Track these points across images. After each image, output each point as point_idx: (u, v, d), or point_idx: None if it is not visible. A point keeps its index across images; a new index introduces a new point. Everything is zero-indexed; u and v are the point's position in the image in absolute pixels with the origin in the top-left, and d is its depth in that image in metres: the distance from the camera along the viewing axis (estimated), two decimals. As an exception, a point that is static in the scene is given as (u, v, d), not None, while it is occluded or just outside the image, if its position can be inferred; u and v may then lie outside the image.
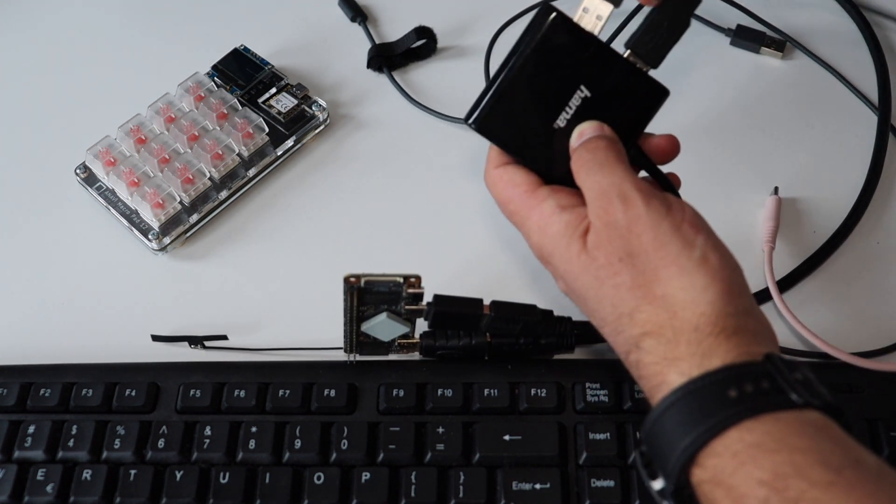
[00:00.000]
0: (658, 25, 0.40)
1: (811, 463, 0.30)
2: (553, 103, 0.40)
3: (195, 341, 0.47)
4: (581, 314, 0.40)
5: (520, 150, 0.41)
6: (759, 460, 0.30)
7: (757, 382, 0.32)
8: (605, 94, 0.40)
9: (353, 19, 0.61)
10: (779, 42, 0.58)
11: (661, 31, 0.40)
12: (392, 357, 0.45)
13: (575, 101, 0.40)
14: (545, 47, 0.40)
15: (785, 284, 0.48)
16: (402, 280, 0.41)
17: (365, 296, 0.41)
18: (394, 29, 0.61)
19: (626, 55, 0.40)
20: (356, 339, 0.44)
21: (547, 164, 0.41)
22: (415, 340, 0.44)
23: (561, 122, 0.40)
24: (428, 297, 0.42)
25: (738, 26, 0.58)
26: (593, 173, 0.38)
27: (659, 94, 0.41)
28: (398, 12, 0.62)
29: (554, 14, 0.40)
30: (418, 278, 0.41)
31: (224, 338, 0.47)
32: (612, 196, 0.37)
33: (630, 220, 0.36)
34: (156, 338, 0.47)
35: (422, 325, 0.44)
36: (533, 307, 0.43)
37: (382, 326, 0.43)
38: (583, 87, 0.40)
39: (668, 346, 0.34)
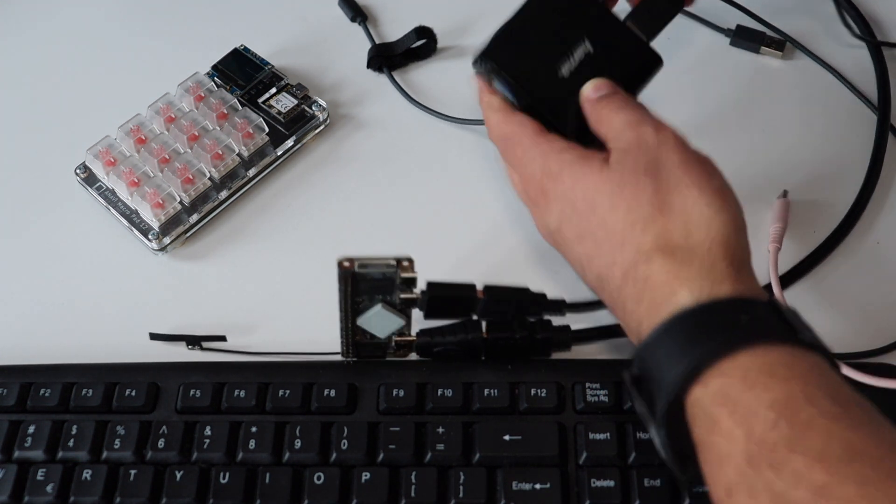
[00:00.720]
0: (656, 1, 0.44)
1: (821, 395, 0.30)
2: (559, 50, 0.42)
3: (193, 342, 0.47)
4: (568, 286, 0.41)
5: (526, 87, 0.43)
6: (769, 385, 0.30)
7: (767, 316, 0.32)
8: (606, 53, 0.43)
9: (353, 19, 0.61)
10: (779, 42, 0.58)
11: (659, 6, 0.44)
12: (390, 359, 0.45)
13: (579, 55, 0.42)
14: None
15: (783, 283, 0.48)
16: (394, 262, 0.41)
17: (359, 284, 0.41)
18: (394, 29, 0.61)
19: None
20: (353, 338, 0.43)
21: (551, 109, 0.42)
22: (411, 338, 0.44)
23: (565, 71, 0.42)
24: (422, 287, 0.42)
25: (738, 26, 0.58)
26: (623, 111, 0.39)
27: (654, 61, 0.43)
28: (398, 12, 0.62)
29: None
30: (411, 261, 0.41)
31: (222, 339, 0.47)
32: (645, 123, 0.38)
33: (660, 140, 0.37)
34: (154, 336, 0.47)
35: (418, 323, 0.44)
36: (525, 288, 0.44)
37: (378, 319, 0.43)
38: (587, 42, 0.43)
39: (680, 265, 0.34)
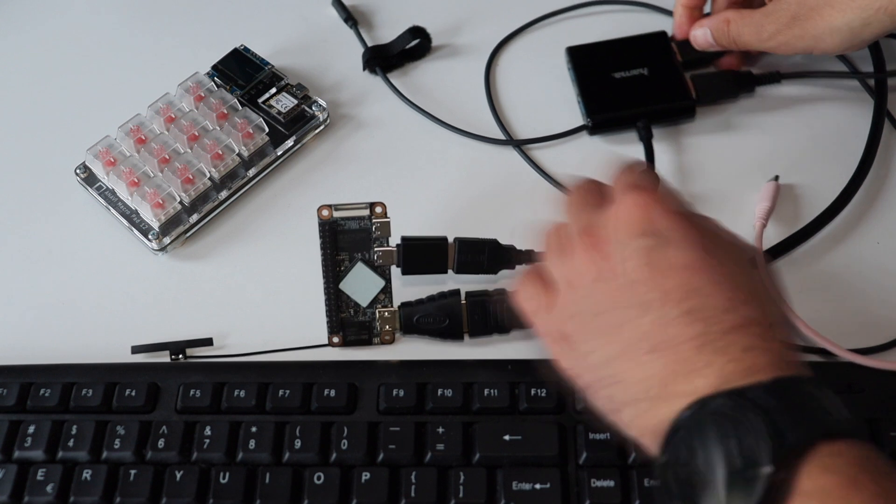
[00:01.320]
0: (725, 81, 0.55)
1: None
2: (622, 63, 0.55)
3: (176, 350, 0.46)
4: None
5: (584, 86, 0.55)
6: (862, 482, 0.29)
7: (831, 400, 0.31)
8: (656, 84, 0.55)
9: (345, 20, 0.61)
10: None
11: (723, 86, 0.55)
12: (377, 343, 0.47)
13: (635, 71, 0.55)
14: (644, 38, 0.57)
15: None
16: (367, 205, 0.45)
17: (338, 237, 0.45)
18: (387, 31, 0.61)
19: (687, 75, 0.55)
20: (337, 312, 0.45)
21: (598, 99, 0.55)
22: (393, 309, 0.46)
23: (618, 75, 0.55)
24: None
25: None
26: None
27: (689, 113, 0.54)
28: (389, 14, 0.62)
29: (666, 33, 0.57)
30: (383, 205, 0.45)
31: (208, 342, 0.47)
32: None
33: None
34: (136, 349, 0.46)
35: (398, 295, 0.46)
36: (494, 240, 0.46)
37: (359, 280, 0.45)
38: (645, 69, 0.55)
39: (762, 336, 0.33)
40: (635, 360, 0.33)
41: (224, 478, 0.41)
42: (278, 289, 0.50)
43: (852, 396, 0.42)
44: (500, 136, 0.56)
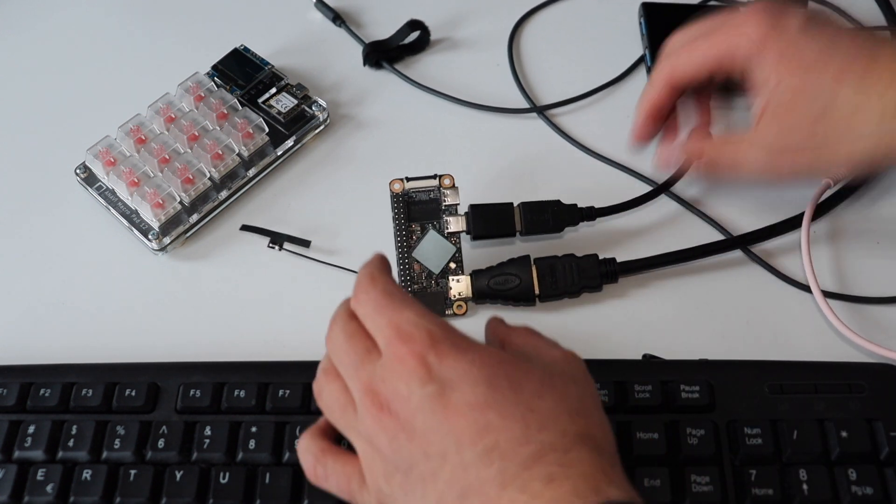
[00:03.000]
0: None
1: None
2: None
3: (277, 240, 0.50)
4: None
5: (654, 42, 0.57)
6: None
7: None
8: None
9: (333, 20, 0.61)
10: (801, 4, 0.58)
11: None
12: (449, 314, 0.48)
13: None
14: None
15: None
16: (435, 176, 0.49)
17: (410, 207, 0.48)
18: (374, 29, 0.61)
19: None
20: (410, 284, 0.47)
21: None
22: (465, 277, 0.47)
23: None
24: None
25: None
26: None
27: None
28: (374, 13, 0.62)
29: None
30: (451, 176, 0.49)
31: (307, 244, 0.50)
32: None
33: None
34: (245, 227, 0.51)
35: (468, 267, 0.48)
36: (558, 200, 0.49)
37: (431, 247, 0.48)
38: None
39: (608, 463, 0.33)
40: None
41: (224, 478, 0.41)
42: (278, 289, 0.50)
43: (852, 396, 0.42)
44: (524, 105, 0.57)
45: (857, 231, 0.51)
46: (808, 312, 0.48)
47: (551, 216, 0.49)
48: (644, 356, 0.46)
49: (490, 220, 0.48)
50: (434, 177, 0.49)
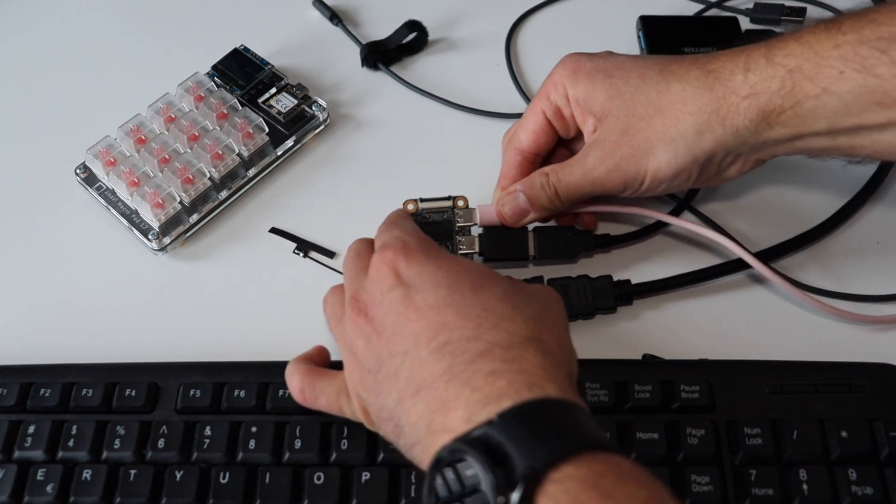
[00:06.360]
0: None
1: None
2: (693, 40, 0.57)
3: (304, 247, 0.51)
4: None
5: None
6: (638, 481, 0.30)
7: (593, 424, 0.32)
8: None
9: (330, 19, 0.61)
10: (798, 10, 0.59)
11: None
12: None
13: (705, 49, 0.55)
14: (716, 20, 0.59)
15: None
16: (449, 197, 0.48)
17: (424, 228, 0.45)
18: (371, 28, 0.61)
19: None
20: None
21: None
22: None
23: (687, 50, 0.56)
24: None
25: (756, 3, 0.59)
26: None
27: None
28: (372, 12, 0.62)
29: None
30: (465, 198, 0.48)
31: (331, 255, 0.51)
32: None
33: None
34: (273, 230, 0.52)
35: None
36: (572, 226, 0.49)
37: None
38: (714, 49, 0.53)
39: (552, 365, 0.34)
40: (408, 405, 0.34)
41: (224, 478, 0.41)
42: (278, 289, 0.50)
43: (852, 396, 0.42)
44: (523, 106, 0.56)
45: (857, 231, 0.51)
46: (808, 312, 0.48)
47: (565, 242, 0.48)
48: (644, 356, 0.46)
49: (503, 244, 0.48)
50: (448, 198, 0.48)
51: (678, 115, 0.42)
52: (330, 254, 0.51)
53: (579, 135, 0.48)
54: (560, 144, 0.49)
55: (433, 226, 0.48)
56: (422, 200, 0.48)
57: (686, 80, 0.43)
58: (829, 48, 0.39)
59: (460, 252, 0.48)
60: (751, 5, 0.60)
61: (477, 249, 0.48)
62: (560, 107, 0.47)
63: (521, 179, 0.47)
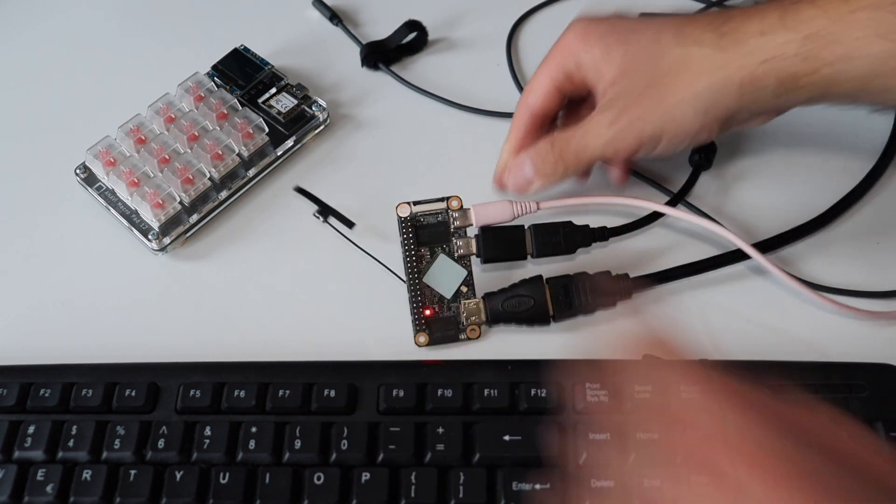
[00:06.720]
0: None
1: None
2: None
3: (324, 211, 0.51)
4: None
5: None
6: None
7: None
8: None
9: (330, 19, 0.61)
10: None
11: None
12: (463, 339, 0.47)
13: None
14: None
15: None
16: (443, 199, 0.47)
17: (419, 231, 0.46)
18: (371, 28, 0.61)
19: None
20: (421, 309, 0.46)
21: None
22: (477, 300, 0.47)
23: None
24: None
25: (756, 3, 0.59)
26: None
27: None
28: (372, 12, 0.62)
29: None
30: (459, 198, 0.47)
31: (351, 224, 0.50)
32: None
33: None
34: (298, 189, 0.52)
35: (480, 286, 0.47)
36: (569, 221, 0.48)
37: (442, 271, 0.46)
38: None
39: None
40: None
41: (224, 478, 0.41)
42: (278, 289, 0.50)
43: (852, 396, 0.42)
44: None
45: (857, 231, 0.51)
46: (808, 312, 0.48)
47: (563, 238, 0.48)
48: (644, 356, 0.46)
49: (500, 244, 0.47)
50: (441, 199, 0.47)
51: (694, 78, 0.43)
52: (349, 223, 0.51)
53: (586, 101, 0.48)
54: (567, 112, 0.50)
55: (428, 228, 0.47)
56: (415, 203, 0.48)
57: (702, 43, 0.43)
58: (845, 13, 0.39)
59: (458, 255, 0.47)
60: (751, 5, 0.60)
61: (474, 251, 0.47)
62: (571, 71, 0.46)
63: (528, 138, 0.48)
